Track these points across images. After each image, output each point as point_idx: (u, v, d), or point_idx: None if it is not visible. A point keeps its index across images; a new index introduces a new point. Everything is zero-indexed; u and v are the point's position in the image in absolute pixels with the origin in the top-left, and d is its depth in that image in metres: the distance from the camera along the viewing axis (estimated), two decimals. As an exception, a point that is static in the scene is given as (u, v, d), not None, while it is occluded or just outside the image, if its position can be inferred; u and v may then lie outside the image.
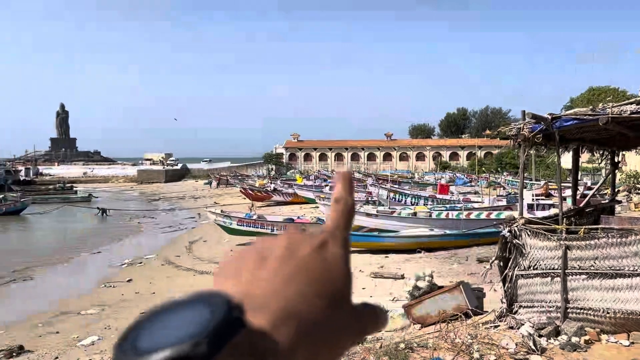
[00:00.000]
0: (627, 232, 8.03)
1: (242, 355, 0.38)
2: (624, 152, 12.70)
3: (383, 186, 36.42)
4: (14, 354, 10.91)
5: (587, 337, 7.77)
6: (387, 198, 30.95)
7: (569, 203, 15.47)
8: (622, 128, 8.58)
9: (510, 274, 8.67)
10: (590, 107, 8.60)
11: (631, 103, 8.01)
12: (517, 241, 8.51)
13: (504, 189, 44.37)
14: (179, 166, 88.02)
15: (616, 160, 11.95)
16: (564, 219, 9.06)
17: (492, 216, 22.99)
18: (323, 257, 0.46)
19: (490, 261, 9.15)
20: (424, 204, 30.61)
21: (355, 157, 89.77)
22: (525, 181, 14.37)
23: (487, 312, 9.61)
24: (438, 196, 34.80)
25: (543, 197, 28.43)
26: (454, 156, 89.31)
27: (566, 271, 8.15)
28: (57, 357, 10.74)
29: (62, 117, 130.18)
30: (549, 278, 8.35)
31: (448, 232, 21.39)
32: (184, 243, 26.31)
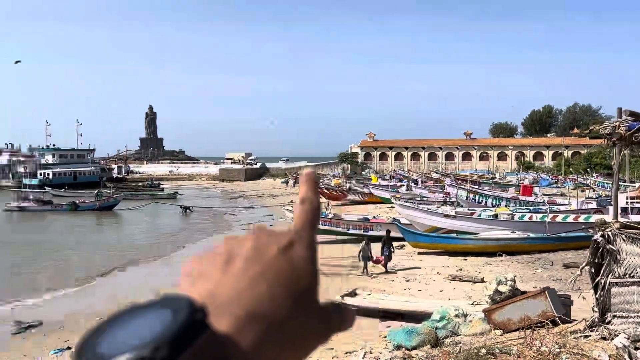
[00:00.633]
0: None
1: (205, 358, 0.38)
2: None
3: (462, 187, 35.44)
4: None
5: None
6: (466, 199, 30.09)
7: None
8: None
9: (602, 281, 8.12)
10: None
11: None
12: (611, 247, 7.96)
13: (594, 191, 41.75)
14: (258, 165, 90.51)
15: None
16: (665, 224, 8.36)
17: (581, 220, 21.72)
18: (289, 257, 0.46)
19: (580, 267, 8.62)
20: (506, 206, 29.47)
21: (432, 157, 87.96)
22: (619, 183, 13.42)
23: (575, 320, 9.08)
24: (521, 198, 33.47)
25: (638, 200, 26.44)
26: (538, 156, 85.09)
27: (667, 280, 7.53)
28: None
29: (151, 117, 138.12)
30: (648, 287, 7.74)
31: (532, 235, 20.46)
32: (262, 240, 26.99)
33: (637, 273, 7.87)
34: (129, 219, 41.48)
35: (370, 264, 18.19)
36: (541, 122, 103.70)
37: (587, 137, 65.74)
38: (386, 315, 12.66)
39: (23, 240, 29.76)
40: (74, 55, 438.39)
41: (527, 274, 16.57)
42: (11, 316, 15.56)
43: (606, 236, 8.02)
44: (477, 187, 40.47)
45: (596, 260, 8.23)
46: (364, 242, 18.54)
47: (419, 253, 20.65)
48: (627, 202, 22.98)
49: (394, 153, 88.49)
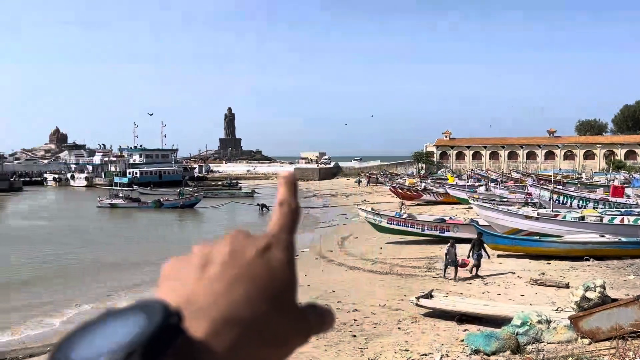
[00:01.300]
0: None
1: None
2: None
3: (545, 187, 33.76)
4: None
5: None
6: (549, 200, 28.66)
7: None
8: None
9: None
10: None
11: None
12: None
13: (696, 192, 38.28)
14: (331, 164, 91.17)
15: None
16: None
17: (681, 224, 20.02)
18: (267, 261, 0.46)
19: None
20: (594, 207, 27.74)
21: (512, 156, 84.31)
22: None
23: (674, 332, 8.40)
24: (611, 199, 31.46)
25: None
26: (630, 154, 79.18)
27: None
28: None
29: (229, 119, 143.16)
30: None
31: (623, 239, 19.17)
32: (335, 239, 27.24)
33: None
34: (210, 217, 43.22)
35: (450, 268, 17.25)
36: (634, 119, 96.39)
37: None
38: (463, 318, 12.35)
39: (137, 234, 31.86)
40: (155, 60, 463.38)
41: (618, 280, 15.54)
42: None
43: None
44: (561, 187, 38.43)
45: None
46: (449, 244, 17.50)
47: (498, 256, 19.95)
48: None
49: (471, 152, 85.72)
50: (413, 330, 12.13)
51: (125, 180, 66.03)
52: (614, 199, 31.25)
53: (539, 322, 10.37)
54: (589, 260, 18.21)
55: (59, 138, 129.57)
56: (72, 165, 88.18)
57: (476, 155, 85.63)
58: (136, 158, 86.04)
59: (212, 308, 0.42)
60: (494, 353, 9.64)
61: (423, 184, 49.97)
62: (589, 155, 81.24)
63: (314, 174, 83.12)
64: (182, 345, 0.39)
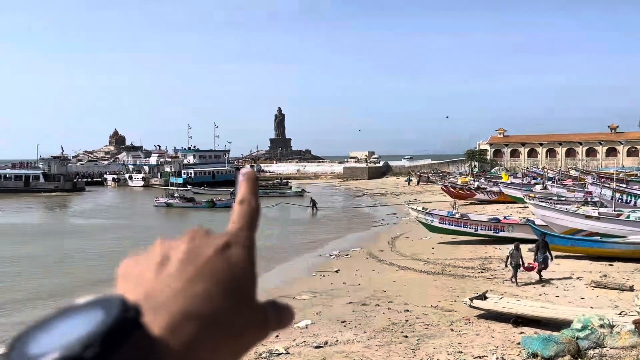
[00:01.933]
0: None
1: (137, 356, 0.38)
2: None
3: (606, 185, 32.26)
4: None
5: None
6: (611, 199, 27.39)
7: None
8: None
9: None
10: None
11: None
12: None
13: None
14: (381, 164, 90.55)
15: None
16: None
17: None
18: (226, 258, 0.47)
19: None
20: (661, 207, 26.28)
21: (570, 153, 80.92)
22: None
23: None
24: (679, 198, 29.61)
25: None
26: (703, 150, 74.46)
27: None
28: (276, 335, 12.03)
29: (280, 119, 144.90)
30: None
31: (695, 241, 18.05)
32: (386, 238, 27.03)
33: None
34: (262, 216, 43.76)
35: (513, 271, 16.20)
36: None
37: None
38: (519, 320, 11.99)
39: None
40: (207, 61, 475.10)
41: (688, 283, 14.67)
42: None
43: None
44: (624, 185, 36.61)
45: None
46: (513, 246, 16.49)
47: (556, 257, 19.25)
48: None
49: (526, 149, 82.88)
50: (466, 332, 11.88)
51: (180, 180, 67.90)
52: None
53: (601, 326, 9.93)
54: (655, 262, 17.28)
55: (117, 140, 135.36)
56: (129, 166, 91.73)
57: (531, 153, 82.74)
58: (190, 159, 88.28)
59: (170, 303, 0.43)
60: (552, 357, 9.32)
61: (476, 183, 48.81)
62: (655, 152, 76.91)
63: (364, 173, 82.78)
64: (139, 339, 0.39)
